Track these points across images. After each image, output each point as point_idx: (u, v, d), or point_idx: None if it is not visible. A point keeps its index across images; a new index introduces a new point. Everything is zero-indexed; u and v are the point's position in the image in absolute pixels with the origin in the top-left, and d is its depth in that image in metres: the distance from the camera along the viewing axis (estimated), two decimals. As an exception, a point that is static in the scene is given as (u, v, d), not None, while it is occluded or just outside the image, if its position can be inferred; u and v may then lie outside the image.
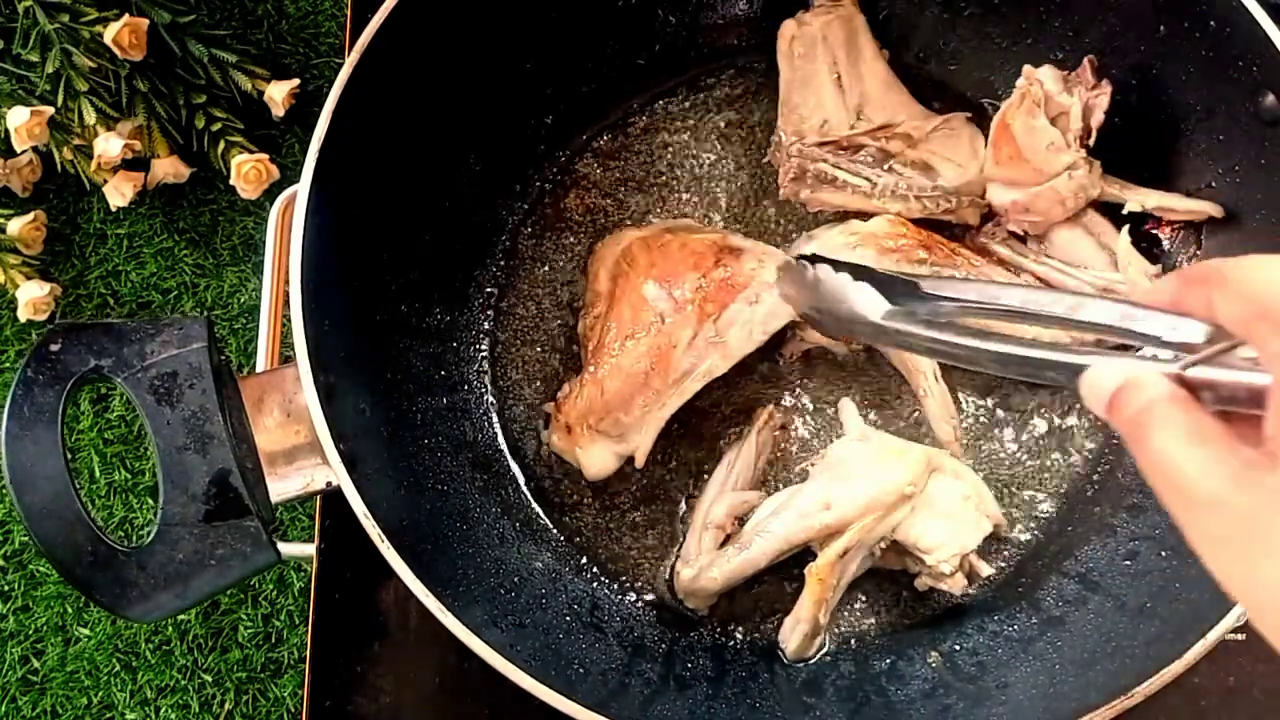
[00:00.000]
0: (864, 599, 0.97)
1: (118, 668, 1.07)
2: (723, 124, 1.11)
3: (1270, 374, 0.49)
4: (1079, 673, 0.85)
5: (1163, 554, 0.90)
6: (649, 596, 0.98)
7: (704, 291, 0.96)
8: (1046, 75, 0.97)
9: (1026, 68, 0.97)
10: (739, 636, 0.96)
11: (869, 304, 0.75)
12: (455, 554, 0.91)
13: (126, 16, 1.07)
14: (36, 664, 1.08)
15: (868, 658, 0.94)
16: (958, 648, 0.92)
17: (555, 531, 1.00)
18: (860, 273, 0.78)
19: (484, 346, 1.05)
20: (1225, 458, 0.48)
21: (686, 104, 1.11)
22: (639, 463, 0.98)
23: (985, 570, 0.93)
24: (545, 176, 1.09)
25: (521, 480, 1.02)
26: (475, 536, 0.94)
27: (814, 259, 0.83)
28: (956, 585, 0.91)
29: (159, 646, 1.07)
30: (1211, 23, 0.91)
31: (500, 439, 1.02)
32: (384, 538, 0.79)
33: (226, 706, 1.06)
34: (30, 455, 0.75)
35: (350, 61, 0.88)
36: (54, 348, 0.78)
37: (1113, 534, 0.94)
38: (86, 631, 1.08)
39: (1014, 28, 1.06)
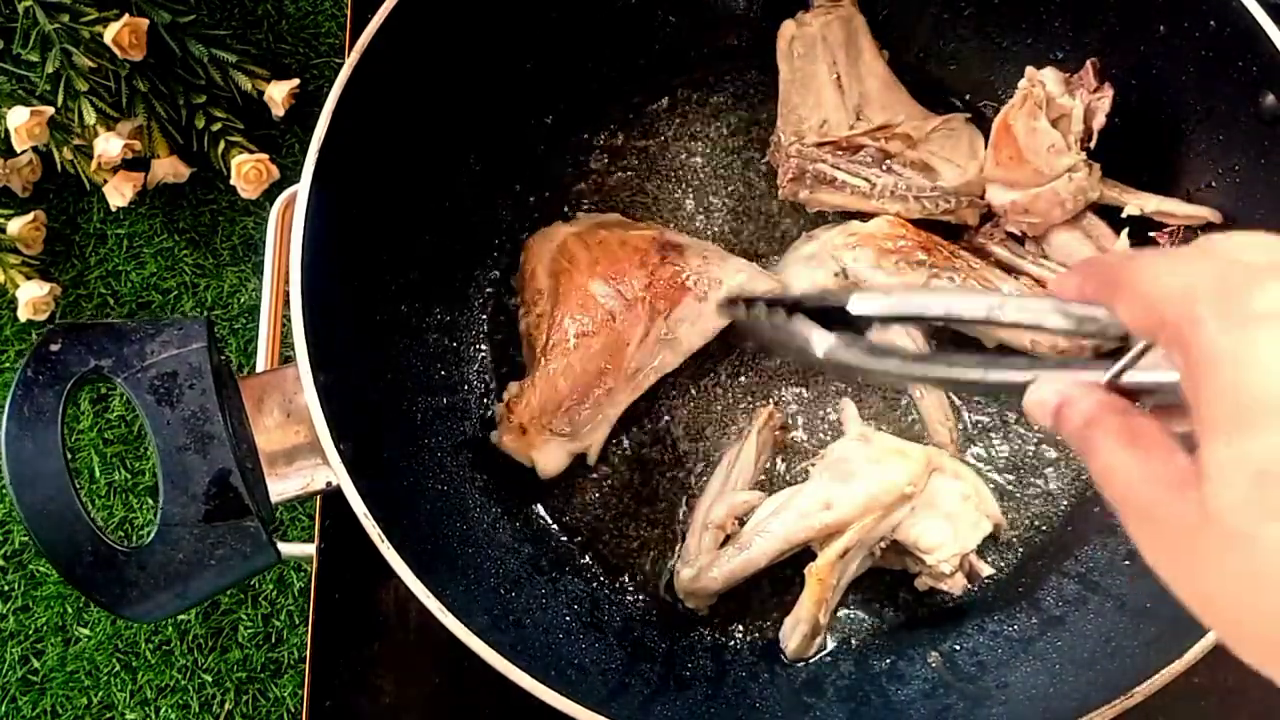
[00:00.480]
0: (864, 599, 0.97)
1: (118, 668, 1.07)
2: (723, 124, 1.11)
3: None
4: (1079, 673, 0.85)
5: (1163, 554, 0.89)
6: (649, 596, 0.98)
7: (654, 289, 0.97)
8: (1049, 77, 0.97)
9: (1029, 69, 0.97)
10: (739, 636, 0.96)
11: (812, 340, 0.74)
12: (455, 554, 0.91)
13: (126, 16, 1.07)
14: (36, 664, 1.08)
15: (868, 658, 0.94)
16: (958, 648, 0.92)
17: (556, 531, 1.00)
18: (794, 305, 0.78)
19: (484, 347, 1.05)
20: (1160, 467, 0.48)
21: (687, 104, 1.11)
22: (591, 460, 0.99)
23: (985, 570, 0.93)
24: (546, 176, 1.09)
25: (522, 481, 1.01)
26: (475, 536, 0.94)
27: (749, 301, 0.82)
28: (956, 585, 0.91)
29: (159, 646, 1.07)
30: (1211, 22, 0.91)
31: (500, 439, 1.02)
32: (384, 538, 0.79)
33: (226, 706, 1.06)
34: (30, 455, 0.75)
35: (350, 61, 0.88)
36: (54, 348, 0.78)
37: (1113, 534, 0.94)
38: (86, 631, 1.08)
39: (1014, 28, 1.06)
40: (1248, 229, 0.92)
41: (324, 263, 0.85)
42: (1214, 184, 0.96)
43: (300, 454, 0.83)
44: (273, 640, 1.07)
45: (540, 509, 1.01)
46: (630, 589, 0.98)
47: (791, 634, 0.92)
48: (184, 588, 0.77)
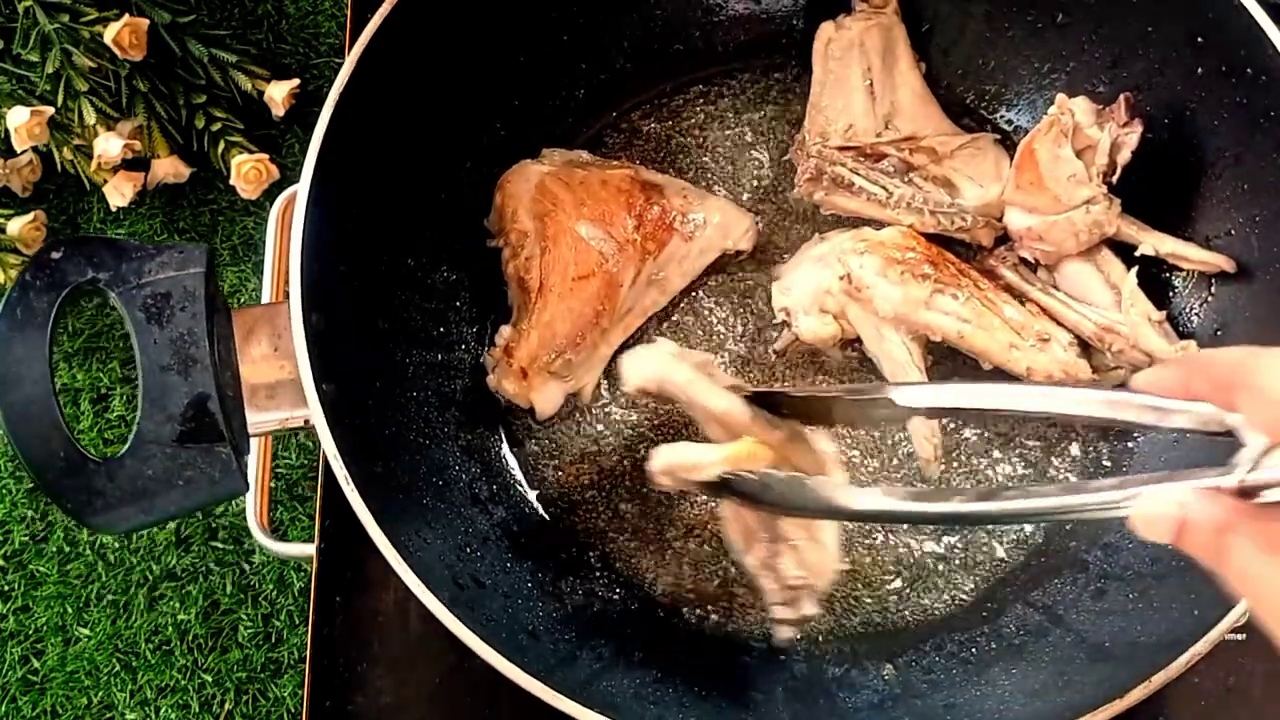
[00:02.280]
0: (828, 603, 0.96)
1: (118, 668, 1.07)
2: (754, 117, 1.11)
3: None
4: (1027, 702, 0.84)
5: (1131, 595, 0.89)
6: (613, 573, 0.98)
7: (643, 230, 1.00)
8: (1079, 106, 0.96)
9: (1060, 96, 0.96)
10: (694, 623, 0.96)
11: (840, 493, 0.70)
12: (426, 507, 0.92)
13: (126, 16, 1.07)
14: (36, 664, 1.08)
15: (822, 661, 0.94)
16: (913, 663, 0.92)
17: (533, 499, 1.01)
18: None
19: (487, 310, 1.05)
20: None
21: (717, 95, 1.11)
22: (586, 399, 1.02)
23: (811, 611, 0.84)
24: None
25: (505, 446, 1.02)
26: (450, 494, 0.95)
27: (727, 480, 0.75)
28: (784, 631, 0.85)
29: (159, 646, 1.08)
30: (1249, 69, 0.90)
31: (491, 402, 1.03)
32: (349, 479, 0.79)
33: (226, 706, 1.06)
34: (18, 357, 0.77)
35: (350, 61, 0.89)
36: (55, 255, 0.80)
37: (1084, 569, 0.93)
38: (86, 631, 1.08)
39: (1054, 53, 1.05)
40: (1260, 283, 0.92)
41: (324, 262, 0.86)
42: (1233, 232, 0.95)
43: (282, 389, 0.84)
44: (273, 640, 1.08)
45: (520, 476, 1.01)
46: (596, 564, 0.99)
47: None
48: (150, 504, 0.78)
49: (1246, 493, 0.52)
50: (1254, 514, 0.51)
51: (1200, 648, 0.77)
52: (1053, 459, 1.00)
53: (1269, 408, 0.51)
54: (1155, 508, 0.54)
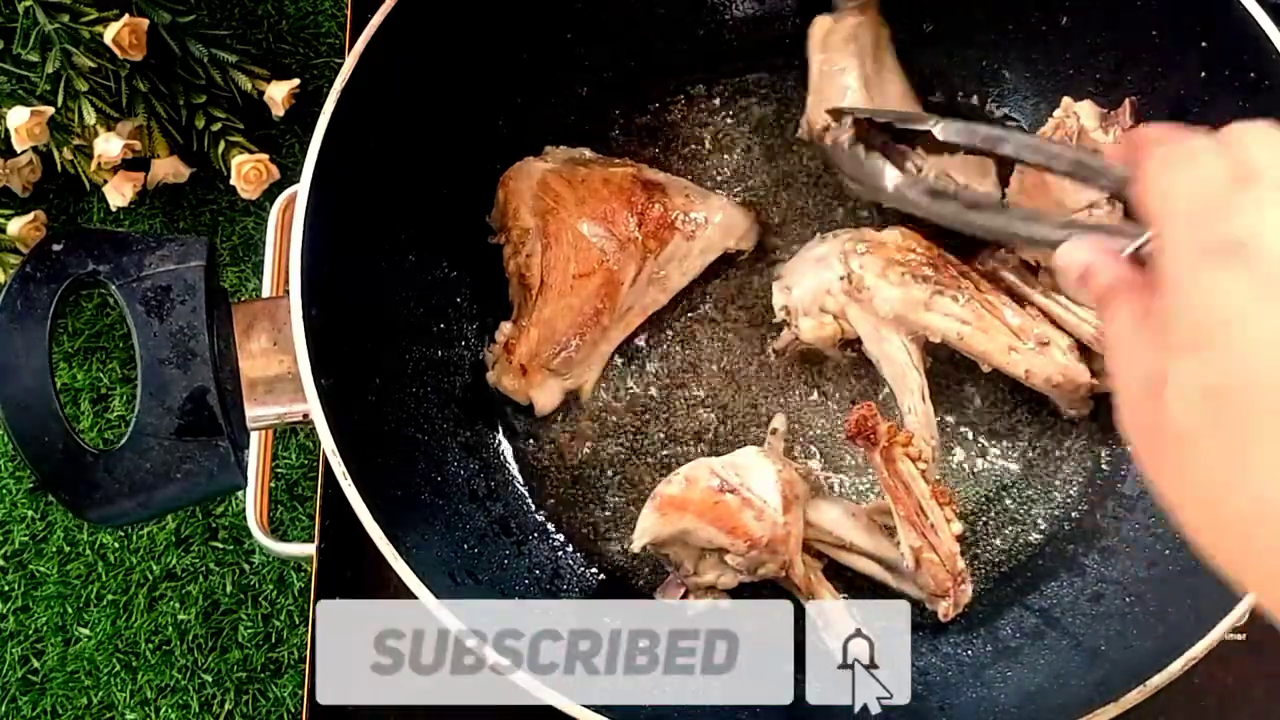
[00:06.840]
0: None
1: (118, 668, 1.07)
2: (757, 117, 1.11)
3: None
4: (1022, 704, 0.85)
5: (1128, 599, 0.89)
6: (609, 574, 0.98)
7: (645, 229, 1.00)
8: (1084, 110, 0.96)
9: (1065, 99, 0.97)
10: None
11: (885, 175, 0.86)
12: (425, 503, 0.92)
13: (126, 16, 1.07)
14: (36, 664, 1.08)
15: (818, 661, 0.94)
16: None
17: (529, 497, 1.01)
18: (875, 137, 0.89)
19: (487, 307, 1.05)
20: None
21: (723, 93, 1.11)
22: (585, 396, 1.02)
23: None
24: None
25: (505, 443, 1.03)
26: (448, 491, 0.95)
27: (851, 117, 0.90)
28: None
29: (159, 646, 1.08)
30: (1252, 74, 0.90)
31: (491, 399, 1.03)
32: (347, 475, 0.80)
33: (226, 706, 1.06)
34: (17, 348, 0.77)
35: (350, 61, 0.89)
36: (55, 247, 0.80)
37: (1082, 573, 0.93)
38: (86, 631, 1.08)
39: (1058, 56, 1.04)
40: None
41: (324, 260, 0.86)
42: (1234, 237, 0.95)
43: (281, 383, 0.84)
44: (273, 640, 1.07)
45: (519, 474, 1.02)
46: (594, 563, 0.99)
47: None
48: (148, 497, 0.78)
49: (1141, 259, 0.57)
50: (1136, 288, 0.55)
51: (1196, 651, 0.77)
52: (1055, 460, 1.00)
53: (1142, 200, 0.55)
54: (1071, 255, 0.60)
